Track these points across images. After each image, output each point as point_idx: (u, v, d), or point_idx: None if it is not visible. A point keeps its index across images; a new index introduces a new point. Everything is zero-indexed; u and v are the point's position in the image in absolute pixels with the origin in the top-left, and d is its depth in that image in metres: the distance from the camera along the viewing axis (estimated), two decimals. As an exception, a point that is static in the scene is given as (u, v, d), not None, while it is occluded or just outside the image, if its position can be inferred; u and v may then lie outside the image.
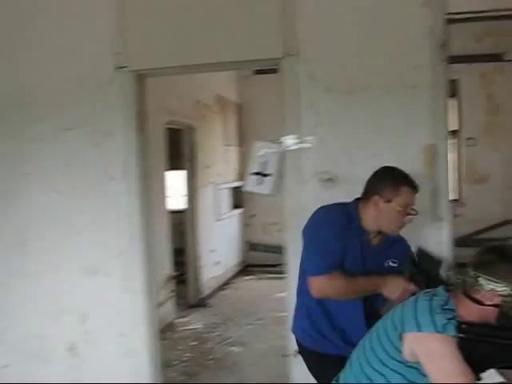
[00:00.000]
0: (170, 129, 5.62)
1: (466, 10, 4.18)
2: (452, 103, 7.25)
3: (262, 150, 3.15)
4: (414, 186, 2.38)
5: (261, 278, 7.41)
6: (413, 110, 2.95)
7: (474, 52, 6.76)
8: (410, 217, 2.37)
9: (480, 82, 7.22)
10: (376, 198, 2.36)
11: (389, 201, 2.34)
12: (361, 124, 2.98)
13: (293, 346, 3.17)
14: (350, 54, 3.00)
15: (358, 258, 2.37)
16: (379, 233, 2.41)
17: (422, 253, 2.41)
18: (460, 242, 6.52)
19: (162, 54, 3.29)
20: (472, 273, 1.81)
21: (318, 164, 3.01)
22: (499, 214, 7.10)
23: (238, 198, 7.45)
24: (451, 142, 7.34)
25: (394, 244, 2.46)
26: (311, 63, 3.01)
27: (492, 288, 1.76)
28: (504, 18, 4.04)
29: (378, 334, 1.89)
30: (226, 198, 7.12)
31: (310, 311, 2.47)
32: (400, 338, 1.78)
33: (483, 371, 1.79)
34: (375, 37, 2.99)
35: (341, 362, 2.16)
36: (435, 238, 2.98)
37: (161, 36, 3.27)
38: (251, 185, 3.21)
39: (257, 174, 3.18)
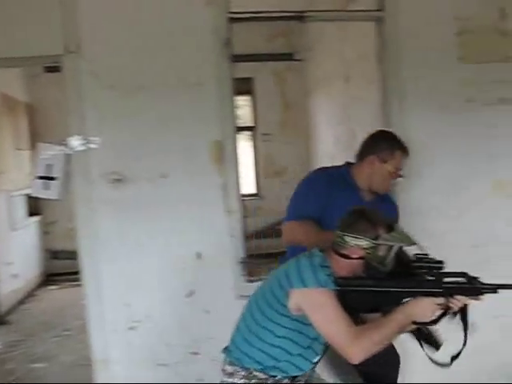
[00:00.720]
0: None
1: (257, 10, 4.36)
2: (248, 101, 7.56)
3: (47, 153, 2.98)
4: (406, 151, 2.62)
5: (65, 287, 7.03)
6: (199, 108, 3.00)
7: (267, 51, 7.07)
8: (398, 178, 2.63)
9: (274, 80, 7.58)
10: (372, 157, 2.58)
11: (384, 162, 2.57)
12: (147, 122, 2.95)
13: (98, 353, 3.08)
14: (132, 51, 2.95)
15: None
16: (371, 191, 2.63)
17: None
18: (261, 234, 6.83)
19: None
20: (339, 233, 2.10)
21: (105, 164, 2.92)
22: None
23: (36, 205, 6.98)
24: (249, 137, 7.66)
25: (384, 202, 2.67)
26: (93, 61, 2.91)
27: (355, 243, 2.07)
28: (293, 19, 4.25)
29: (264, 295, 2.12)
30: (21, 206, 6.62)
31: None
32: (287, 294, 2.03)
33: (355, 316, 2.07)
34: (159, 35, 2.98)
35: None
36: (228, 231, 3.07)
37: None
38: (37, 189, 3.03)
39: (42, 177, 3.01)
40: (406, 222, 2.63)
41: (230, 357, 2.19)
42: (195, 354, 3.08)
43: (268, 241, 6.47)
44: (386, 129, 2.81)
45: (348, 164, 2.71)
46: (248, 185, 7.43)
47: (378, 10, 3.29)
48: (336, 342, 1.99)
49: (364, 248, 2.06)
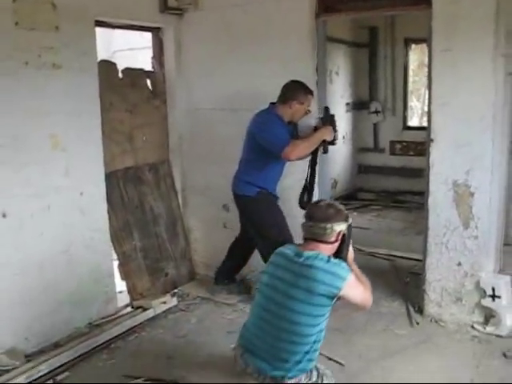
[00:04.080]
0: None
1: None
2: None
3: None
4: (312, 93, 4.12)
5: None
6: None
7: None
8: (309, 113, 4.16)
9: None
10: (291, 102, 4.04)
11: (301, 103, 4.05)
12: None
13: None
14: None
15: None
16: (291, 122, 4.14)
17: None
18: None
19: None
20: (322, 225, 2.62)
21: None
22: None
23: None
24: None
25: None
26: None
27: (340, 229, 2.66)
28: None
29: (295, 308, 2.54)
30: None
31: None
32: (333, 295, 2.54)
33: None
34: None
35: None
36: None
37: None
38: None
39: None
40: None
41: (288, 374, 2.59)
42: None
43: None
44: (296, 79, 4.08)
45: (273, 104, 4.11)
46: None
47: None
48: (365, 302, 2.72)
49: (343, 230, 2.68)
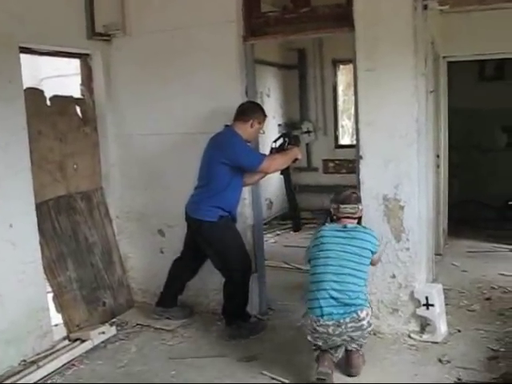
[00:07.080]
0: None
1: None
2: None
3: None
4: (266, 116, 4.33)
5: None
6: None
7: None
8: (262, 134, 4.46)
9: None
10: (252, 121, 4.14)
11: (259, 123, 4.20)
12: None
13: None
14: None
15: None
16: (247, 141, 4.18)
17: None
18: None
19: None
20: (353, 206, 3.62)
21: None
22: None
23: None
24: None
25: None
26: None
27: (361, 207, 3.71)
28: None
29: (354, 257, 3.45)
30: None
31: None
32: (373, 251, 3.57)
33: None
34: None
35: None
36: None
37: None
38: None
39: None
40: None
41: (359, 304, 3.36)
42: None
43: None
44: (254, 100, 4.45)
45: (227, 126, 4.15)
46: None
47: None
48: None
49: (361, 208, 3.71)
